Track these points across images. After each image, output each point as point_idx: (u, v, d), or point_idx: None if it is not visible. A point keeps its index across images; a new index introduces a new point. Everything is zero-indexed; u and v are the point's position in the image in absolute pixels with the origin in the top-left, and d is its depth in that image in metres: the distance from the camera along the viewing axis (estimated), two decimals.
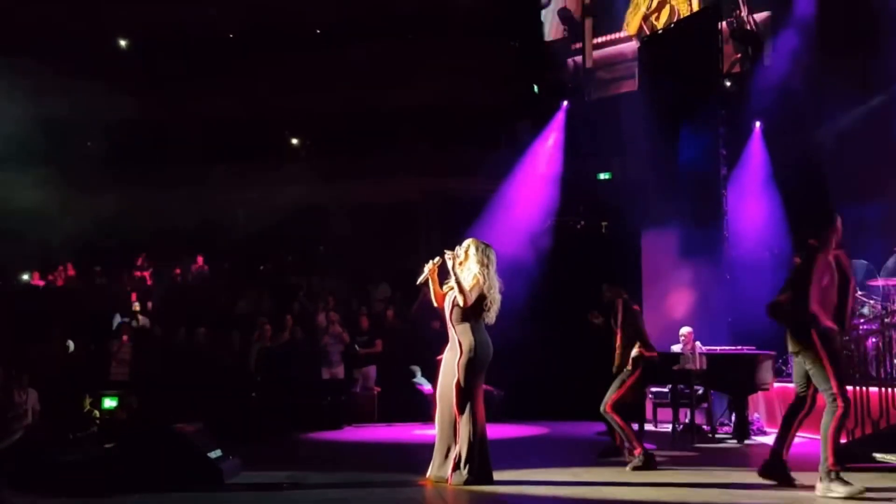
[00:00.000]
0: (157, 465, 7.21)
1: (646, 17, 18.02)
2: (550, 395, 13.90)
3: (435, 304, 7.56)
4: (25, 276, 19.92)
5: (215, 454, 7.65)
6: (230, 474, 7.60)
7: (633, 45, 17.76)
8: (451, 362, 7.27)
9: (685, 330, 11.45)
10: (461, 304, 7.15)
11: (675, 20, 17.13)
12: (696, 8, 16.97)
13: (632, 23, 18.23)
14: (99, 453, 7.65)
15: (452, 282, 7.21)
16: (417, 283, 7.63)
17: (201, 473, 7.30)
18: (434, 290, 7.48)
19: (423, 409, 13.85)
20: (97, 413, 12.28)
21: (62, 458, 7.46)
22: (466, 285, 7.17)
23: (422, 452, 10.43)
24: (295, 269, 20.26)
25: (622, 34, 18.28)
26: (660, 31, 16.37)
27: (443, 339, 13.87)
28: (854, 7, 13.70)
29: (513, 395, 13.60)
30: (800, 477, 6.79)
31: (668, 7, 17.67)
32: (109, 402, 12.53)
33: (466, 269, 7.29)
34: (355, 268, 19.39)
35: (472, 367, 7.16)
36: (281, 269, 20.33)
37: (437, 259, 7.39)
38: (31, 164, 20.63)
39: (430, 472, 7.30)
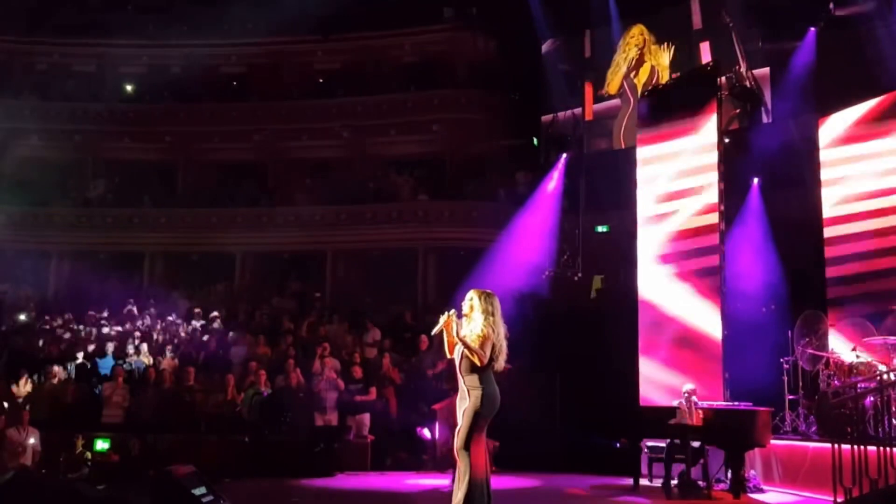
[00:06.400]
0: None
1: (626, 76, 18.38)
2: (541, 446, 13.79)
3: (448, 356, 7.56)
4: (23, 317, 19.88)
5: (207, 497, 7.60)
6: None
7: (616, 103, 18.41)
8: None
9: (688, 386, 11.34)
10: (478, 363, 7.18)
11: (655, 78, 17.64)
12: (667, 63, 17.51)
13: (612, 82, 18.62)
14: (92, 494, 7.60)
15: (461, 346, 7.23)
16: (432, 333, 7.60)
17: None
18: (448, 340, 7.47)
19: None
20: (89, 455, 12.21)
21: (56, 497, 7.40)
22: (473, 339, 7.20)
23: (413, 501, 10.38)
24: (291, 314, 20.19)
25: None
26: (660, 86, 16.48)
27: (439, 388, 13.84)
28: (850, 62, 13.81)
29: (504, 446, 13.48)
30: None
31: (647, 65, 18.08)
32: (102, 444, 12.47)
33: (473, 321, 7.32)
34: (352, 315, 19.37)
35: (476, 418, 7.17)
36: (277, 314, 20.27)
37: (451, 311, 7.40)
38: None
39: None
